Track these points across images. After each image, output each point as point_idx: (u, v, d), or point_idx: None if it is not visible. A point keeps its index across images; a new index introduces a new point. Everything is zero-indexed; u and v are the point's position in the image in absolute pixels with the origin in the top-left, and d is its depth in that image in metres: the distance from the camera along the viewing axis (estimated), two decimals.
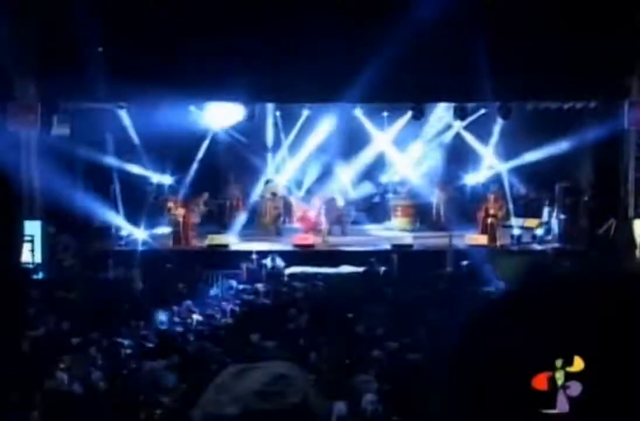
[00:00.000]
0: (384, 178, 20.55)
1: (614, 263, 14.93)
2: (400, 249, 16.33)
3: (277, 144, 20.02)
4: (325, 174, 19.91)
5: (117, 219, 18.03)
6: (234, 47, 15.37)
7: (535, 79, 15.42)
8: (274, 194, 19.33)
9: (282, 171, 20.17)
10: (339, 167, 19.87)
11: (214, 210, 19.47)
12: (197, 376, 8.14)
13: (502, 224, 17.66)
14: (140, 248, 17.01)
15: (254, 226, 19.27)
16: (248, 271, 15.22)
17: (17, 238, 1.36)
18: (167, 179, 19.73)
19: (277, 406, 1.27)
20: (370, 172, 20.22)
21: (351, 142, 19.41)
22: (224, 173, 19.92)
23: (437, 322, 10.02)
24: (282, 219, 19.20)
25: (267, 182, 19.88)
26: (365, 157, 19.83)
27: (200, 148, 19.28)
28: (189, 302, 12.51)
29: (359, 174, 20.06)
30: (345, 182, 20.02)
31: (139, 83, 15.07)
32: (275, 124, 19.70)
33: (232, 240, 17.31)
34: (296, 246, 16.89)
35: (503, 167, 19.33)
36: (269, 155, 20.06)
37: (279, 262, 15.64)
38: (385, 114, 19.37)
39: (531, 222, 18.37)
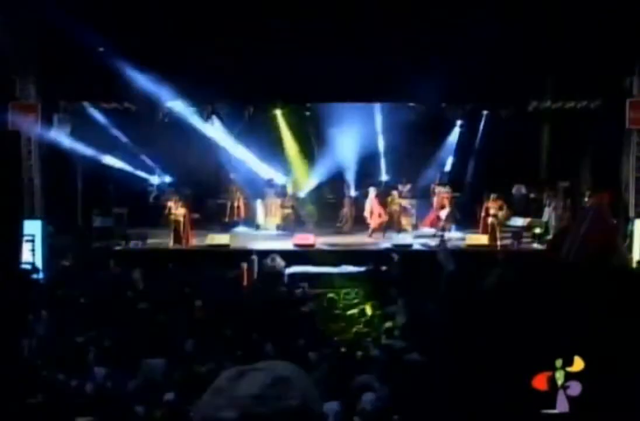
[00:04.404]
0: (385, 177, 20.50)
1: (614, 263, 14.90)
2: (401, 249, 16.33)
3: (280, 144, 19.99)
4: (328, 175, 19.87)
5: (117, 219, 18.04)
6: (237, 49, 15.40)
7: (535, 79, 15.43)
8: (277, 194, 19.39)
9: (286, 172, 20.12)
10: (341, 167, 19.85)
11: (215, 210, 19.48)
12: (196, 375, 8.14)
13: (504, 224, 17.62)
14: (140, 247, 17.02)
15: (257, 226, 19.30)
16: (248, 270, 15.22)
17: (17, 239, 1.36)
18: (167, 179, 19.74)
19: (276, 410, 1.25)
20: (371, 172, 20.19)
21: (353, 142, 19.39)
22: (224, 173, 19.92)
23: (438, 322, 10.01)
24: (291, 218, 19.16)
25: (270, 182, 19.88)
26: (366, 156, 19.79)
27: (201, 148, 19.29)
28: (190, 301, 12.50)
29: (361, 173, 20.01)
30: (349, 182, 19.99)
31: (140, 83, 15.11)
32: (277, 124, 19.68)
33: (233, 240, 17.29)
34: (297, 245, 16.89)
35: (503, 167, 19.32)
36: (272, 155, 20.00)
37: (280, 262, 15.63)
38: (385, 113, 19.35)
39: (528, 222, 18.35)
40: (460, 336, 0.95)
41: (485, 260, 15.00)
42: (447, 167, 20.06)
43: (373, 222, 18.15)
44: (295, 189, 19.83)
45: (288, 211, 19.02)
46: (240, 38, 15.27)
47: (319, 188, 20.00)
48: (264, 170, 20.00)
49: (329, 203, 19.82)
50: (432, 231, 18.59)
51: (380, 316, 11.51)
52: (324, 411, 1.41)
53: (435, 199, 19.08)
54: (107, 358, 9.38)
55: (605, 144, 16.68)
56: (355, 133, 18.96)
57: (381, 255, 15.93)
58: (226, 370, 1.35)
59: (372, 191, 18.41)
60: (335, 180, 19.85)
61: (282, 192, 19.63)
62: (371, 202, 18.29)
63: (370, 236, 17.99)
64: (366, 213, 18.25)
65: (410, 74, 15.08)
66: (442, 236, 16.25)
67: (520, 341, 0.88)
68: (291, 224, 18.90)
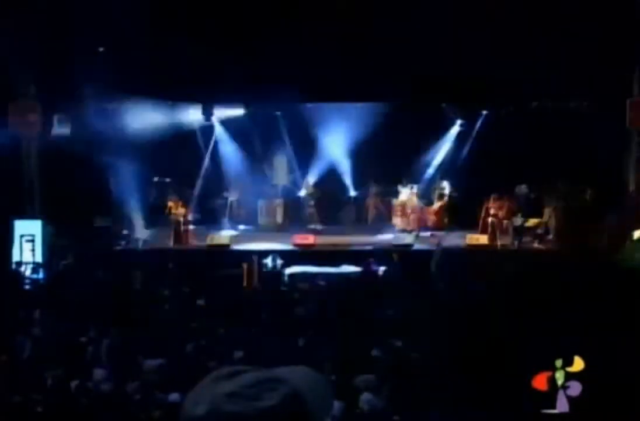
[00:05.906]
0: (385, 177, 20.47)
1: (613, 263, 14.92)
2: (400, 249, 16.32)
3: (279, 143, 19.97)
4: (329, 174, 19.85)
5: (117, 219, 18.04)
6: (237, 49, 15.41)
7: (536, 79, 15.43)
8: (279, 194, 19.41)
9: (289, 171, 20.09)
10: (341, 166, 19.84)
11: (215, 210, 19.47)
12: (196, 376, 8.14)
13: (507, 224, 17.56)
14: (140, 247, 17.02)
15: (257, 226, 19.28)
16: (248, 270, 15.22)
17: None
18: (167, 179, 19.73)
19: (246, 409, 1.24)
20: (372, 171, 20.18)
21: (353, 141, 19.39)
22: (224, 173, 19.92)
23: (438, 322, 10.01)
24: (303, 217, 19.23)
25: (272, 182, 19.88)
26: (367, 156, 19.77)
27: (201, 148, 19.30)
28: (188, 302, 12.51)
29: (361, 173, 19.98)
30: (347, 181, 19.99)
31: (140, 83, 15.11)
32: (277, 124, 19.66)
33: (233, 240, 17.29)
34: (297, 245, 16.88)
35: (504, 167, 19.30)
36: (274, 155, 19.97)
37: (279, 262, 15.64)
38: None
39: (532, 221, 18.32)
40: (460, 336, 0.95)
41: (485, 260, 15.02)
42: (447, 167, 20.04)
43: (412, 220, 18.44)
44: (297, 188, 19.83)
45: (310, 210, 19.08)
46: (240, 38, 15.28)
47: (320, 188, 19.98)
48: (266, 170, 19.98)
49: (332, 203, 19.82)
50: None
51: (380, 316, 11.51)
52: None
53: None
54: (107, 358, 9.38)
55: (605, 144, 16.68)
56: (356, 133, 18.97)
57: (381, 255, 15.93)
58: (220, 369, 1.34)
59: (403, 190, 18.62)
60: (336, 180, 19.84)
61: (283, 192, 19.63)
62: (405, 201, 18.56)
63: (413, 232, 18.11)
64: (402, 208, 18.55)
65: (410, 74, 15.09)
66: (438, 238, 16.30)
67: (521, 341, 0.88)
68: (304, 223, 18.93)
